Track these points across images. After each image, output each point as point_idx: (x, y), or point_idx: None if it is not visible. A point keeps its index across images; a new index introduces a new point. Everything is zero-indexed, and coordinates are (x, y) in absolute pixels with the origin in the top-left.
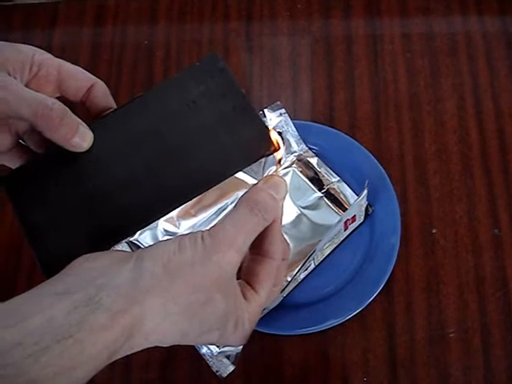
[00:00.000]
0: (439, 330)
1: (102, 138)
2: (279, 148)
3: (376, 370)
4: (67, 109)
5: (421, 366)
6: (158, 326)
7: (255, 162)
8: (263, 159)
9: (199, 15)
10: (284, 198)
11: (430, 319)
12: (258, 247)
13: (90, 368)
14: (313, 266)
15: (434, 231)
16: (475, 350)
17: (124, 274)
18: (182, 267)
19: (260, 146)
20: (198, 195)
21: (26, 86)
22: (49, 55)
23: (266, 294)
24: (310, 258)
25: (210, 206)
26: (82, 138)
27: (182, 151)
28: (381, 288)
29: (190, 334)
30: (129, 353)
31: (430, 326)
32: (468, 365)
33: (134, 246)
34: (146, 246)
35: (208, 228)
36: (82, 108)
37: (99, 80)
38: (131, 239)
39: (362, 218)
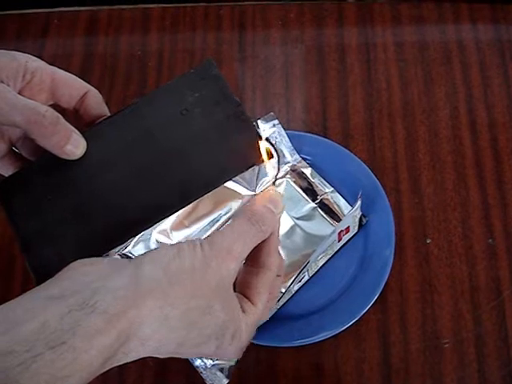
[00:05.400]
0: (434, 340)
1: (95, 146)
2: (271, 157)
3: (371, 381)
4: (60, 116)
5: (415, 376)
6: (155, 331)
7: (246, 170)
8: (256, 170)
9: (192, 25)
10: (281, 212)
11: (424, 329)
12: (254, 260)
13: (84, 375)
14: (307, 278)
15: (428, 241)
16: (470, 360)
17: (122, 278)
18: (182, 272)
19: (251, 155)
20: (190, 203)
21: (19, 93)
22: (42, 63)
23: (263, 306)
24: (304, 270)
25: (203, 216)
26: (74, 146)
27: (175, 159)
28: (375, 299)
29: (187, 343)
30: (124, 361)
31: (425, 337)
32: (462, 375)
33: (127, 258)
34: None
35: (206, 236)
36: (75, 116)
37: (93, 88)
38: (124, 251)
39: (356, 228)
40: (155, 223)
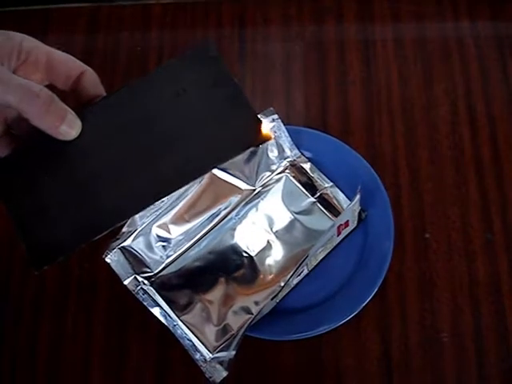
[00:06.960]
0: (433, 334)
1: (90, 126)
2: (270, 138)
3: (371, 374)
4: (54, 96)
5: (415, 370)
6: None
7: (245, 151)
8: (256, 165)
9: (192, 21)
10: None
11: (423, 323)
12: None
13: None
14: (306, 272)
15: (427, 236)
16: (469, 354)
17: None
18: None
19: (249, 136)
20: (188, 183)
21: (14, 72)
22: (38, 42)
23: None
24: (303, 264)
25: (203, 211)
26: (69, 126)
27: (172, 139)
28: (374, 293)
29: None
30: None
31: (424, 331)
32: (462, 369)
33: (127, 252)
34: (139, 251)
35: None
36: (71, 96)
37: (89, 68)
38: (124, 245)
39: (356, 223)
40: (152, 203)
